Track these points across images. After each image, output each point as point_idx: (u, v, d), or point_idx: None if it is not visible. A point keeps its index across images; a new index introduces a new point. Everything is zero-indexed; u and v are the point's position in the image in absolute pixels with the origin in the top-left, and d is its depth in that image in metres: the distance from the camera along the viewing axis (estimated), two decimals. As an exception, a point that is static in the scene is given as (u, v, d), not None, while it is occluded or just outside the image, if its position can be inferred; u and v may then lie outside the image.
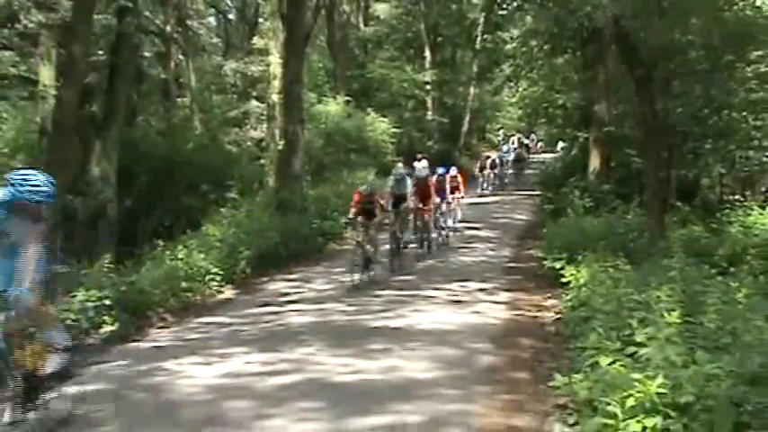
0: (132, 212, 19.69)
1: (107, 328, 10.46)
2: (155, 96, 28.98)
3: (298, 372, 8.24)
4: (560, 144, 36.92)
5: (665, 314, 6.24)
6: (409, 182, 16.39)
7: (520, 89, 37.81)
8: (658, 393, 5.07)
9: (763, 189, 26.21)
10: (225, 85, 34.42)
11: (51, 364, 6.17)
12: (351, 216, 14.49)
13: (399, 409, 6.90)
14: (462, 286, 14.07)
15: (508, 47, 37.17)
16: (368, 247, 14.22)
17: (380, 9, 41.36)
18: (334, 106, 32.74)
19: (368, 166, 28.82)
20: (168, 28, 27.96)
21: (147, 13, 26.05)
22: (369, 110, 34.51)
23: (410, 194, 16.25)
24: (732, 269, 11.55)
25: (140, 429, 6.50)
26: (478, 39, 41.42)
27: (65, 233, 15.05)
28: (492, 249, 19.44)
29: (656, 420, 4.96)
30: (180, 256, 13.67)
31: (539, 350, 9.51)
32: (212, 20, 41.71)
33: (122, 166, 18.90)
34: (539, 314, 11.96)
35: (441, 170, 20.76)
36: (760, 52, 18.99)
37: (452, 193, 21.37)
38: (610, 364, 5.91)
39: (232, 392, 7.47)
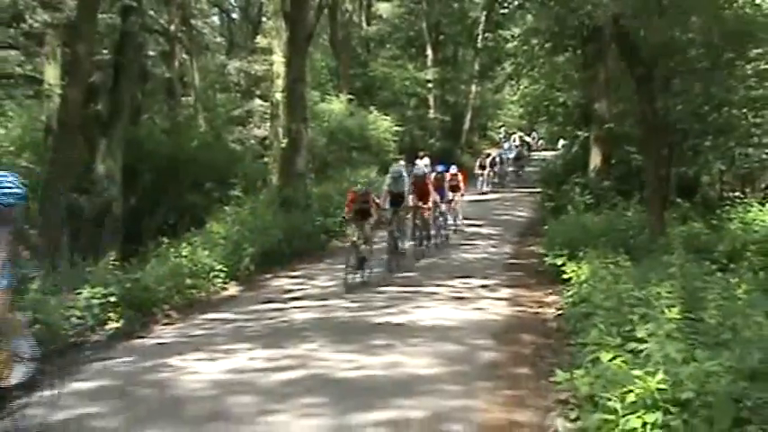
0: (137, 210, 19.78)
1: (112, 325, 10.53)
2: (159, 95, 29.08)
3: (301, 368, 8.26)
4: (561, 142, 36.83)
5: (666, 310, 6.26)
6: (407, 180, 16.27)
7: (521, 87, 37.97)
8: (659, 389, 5.07)
9: (763, 186, 26.20)
10: (228, 84, 34.38)
11: (17, 374, 5.90)
12: (345, 216, 14.42)
13: (402, 405, 6.93)
14: (464, 283, 14.10)
15: (509, 45, 37.29)
16: (363, 247, 14.04)
17: (383, 8, 41.41)
18: (336, 105, 32.73)
19: (370, 164, 28.83)
20: (172, 27, 28.00)
21: (152, 13, 26.15)
22: (371, 108, 34.47)
23: (408, 192, 16.16)
24: (732, 265, 11.60)
25: (146, 425, 6.51)
26: (480, 37, 41.44)
27: (71, 231, 15.17)
28: (493, 246, 19.49)
29: (657, 416, 4.95)
30: (184, 254, 13.75)
31: (540, 346, 9.53)
32: (216, 19, 41.76)
33: (127, 165, 18.96)
34: (540, 310, 12.01)
35: (440, 168, 20.70)
36: (759, 50, 18.92)
37: (454, 191, 21.30)
38: (611, 360, 5.86)
39: (236, 388, 7.49)
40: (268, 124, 25.78)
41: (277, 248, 16.68)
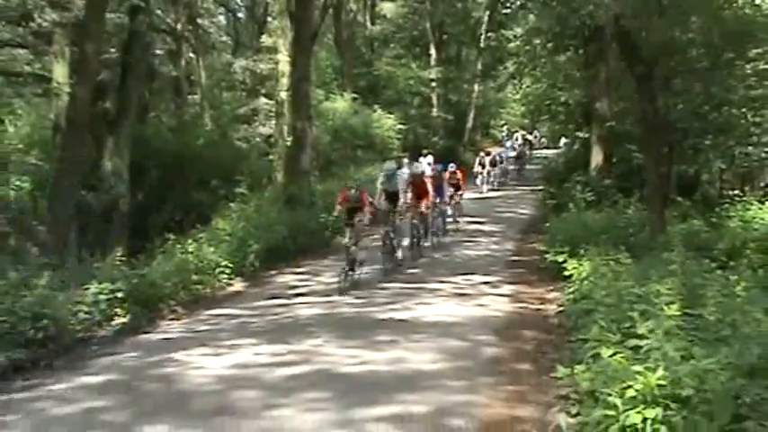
0: (144, 207, 19.84)
1: (119, 320, 10.64)
2: (166, 93, 29.18)
3: (306, 363, 8.35)
4: (563, 140, 36.90)
5: (666, 307, 6.30)
6: (400, 178, 15.95)
7: (523, 86, 38.03)
8: (659, 385, 5.12)
9: (762, 184, 26.25)
10: (234, 83, 34.43)
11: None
12: (335, 215, 14.15)
13: (405, 400, 7.01)
14: (467, 279, 14.15)
15: (512, 45, 37.51)
16: (353, 248, 13.62)
17: (387, 8, 41.58)
18: (341, 103, 32.86)
19: (374, 162, 28.81)
20: (179, 26, 28.17)
21: (159, 12, 26.18)
22: (375, 107, 34.60)
23: (402, 191, 15.82)
24: (731, 263, 11.68)
25: (152, 419, 6.59)
26: (483, 37, 41.59)
27: (79, 227, 15.27)
28: (495, 243, 19.49)
29: (657, 411, 4.99)
30: (190, 250, 13.82)
31: (541, 342, 9.60)
32: (222, 18, 41.87)
33: (134, 162, 19.04)
34: (541, 307, 12.07)
35: (439, 166, 20.59)
36: (759, 50, 18.89)
37: (456, 189, 21.27)
38: (611, 356, 5.89)
39: (241, 383, 7.59)
40: (273, 122, 25.93)
41: (282, 245, 16.74)
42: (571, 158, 28.66)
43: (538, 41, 27.56)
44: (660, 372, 5.18)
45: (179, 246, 14.09)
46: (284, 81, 22.21)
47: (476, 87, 43.12)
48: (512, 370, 8.31)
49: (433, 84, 40.31)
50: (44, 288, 9.63)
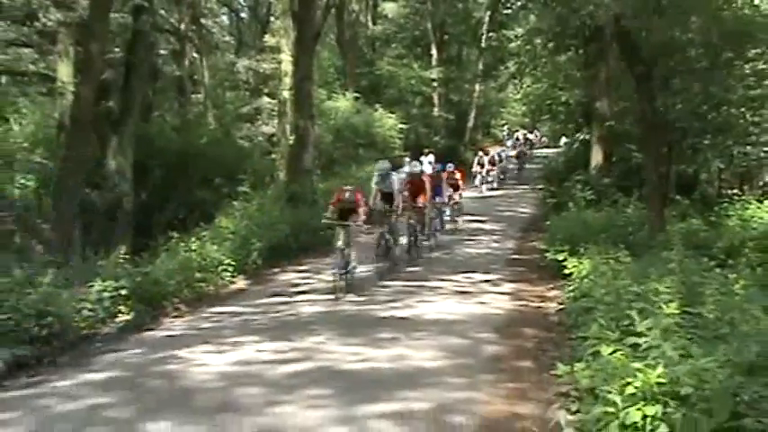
0: (147, 205, 19.82)
1: (123, 318, 10.65)
2: (169, 93, 29.21)
3: (308, 360, 8.39)
4: (563, 139, 36.94)
5: (665, 305, 6.31)
6: (395, 178, 15.62)
7: (524, 86, 38.04)
8: (658, 383, 5.13)
9: (761, 183, 26.33)
10: (237, 82, 34.53)
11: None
12: (328, 215, 13.61)
13: (406, 397, 7.06)
14: (467, 277, 14.21)
15: (512, 45, 37.53)
16: (346, 251, 13.19)
17: (388, 8, 41.62)
18: (343, 102, 32.89)
19: (376, 161, 28.83)
20: (183, 26, 28.17)
21: (162, 12, 26.24)
22: (377, 106, 34.62)
23: (398, 192, 15.45)
24: (730, 261, 11.72)
25: (156, 415, 6.60)
26: (484, 37, 41.54)
27: (83, 225, 15.33)
28: (496, 242, 19.60)
29: (657, 409, 5.00)
30: (193, 248, 13.85)
31: (542, 340, 9.65)
32: (225, 18, 41.88)
33: (138, 161, 19.01)
34: (542, 305, 12.13)
35: (438, 166, 20.59)
36: (758, 50, 18.96)
37: (455, 189, 21.25)
38: (611, 354, 5.91)
39: (244, 380, 7.61)
40: (276, 121, 26.00)
41: (284, 243, 16.79)
42: (571, 158, 28.71)
43: (538, 41, 27.61)
44: (660, 369, 5.18)
45: (182, 244, 14.10)
46: (287, 80, 22.25)
47: (477, 87, 43.10)
48: (512, 367, 8.35)
49: (435, 83, 40.34)
50: (48, 285, 9.67)
